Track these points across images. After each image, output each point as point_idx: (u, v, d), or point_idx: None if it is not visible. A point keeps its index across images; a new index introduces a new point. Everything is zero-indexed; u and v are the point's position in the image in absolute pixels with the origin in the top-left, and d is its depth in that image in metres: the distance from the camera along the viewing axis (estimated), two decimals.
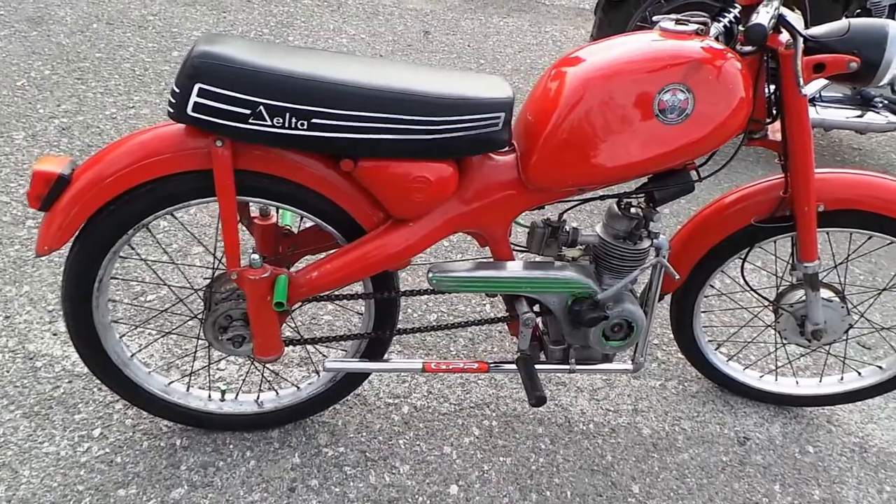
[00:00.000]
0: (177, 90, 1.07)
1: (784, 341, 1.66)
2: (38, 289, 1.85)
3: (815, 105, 2.77)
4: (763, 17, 1.08)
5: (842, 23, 1.23)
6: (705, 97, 1.17)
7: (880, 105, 2.76)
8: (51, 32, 3.13)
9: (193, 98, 1.05)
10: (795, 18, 1.14)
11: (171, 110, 1.09)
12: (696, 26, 1.23)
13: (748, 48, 1.24)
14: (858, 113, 2.77)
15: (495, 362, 1.48)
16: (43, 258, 1.94)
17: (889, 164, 3.16)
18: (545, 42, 3.99)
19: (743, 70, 1.20)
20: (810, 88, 2.66)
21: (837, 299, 1.57)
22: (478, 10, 4.21)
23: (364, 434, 1.59)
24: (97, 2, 3.48)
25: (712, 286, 1.68)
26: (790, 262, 1.54)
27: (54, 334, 1.72)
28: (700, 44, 1.20)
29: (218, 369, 1.70)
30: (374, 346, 1.48)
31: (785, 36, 1.22)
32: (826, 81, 2.45)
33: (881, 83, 1.20)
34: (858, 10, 2.73)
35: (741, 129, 1.25)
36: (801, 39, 1.15)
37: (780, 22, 1.15)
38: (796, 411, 1.82)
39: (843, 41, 1.21)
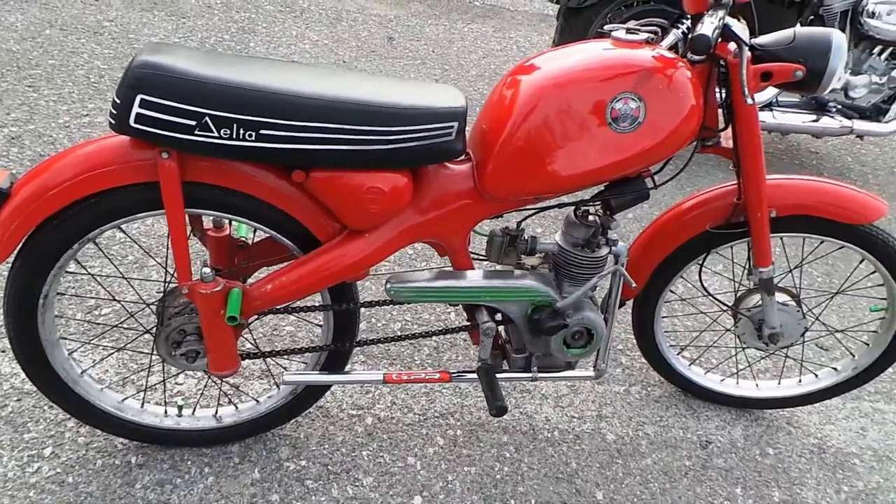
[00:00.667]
0: (118, 101, 1.04)
1: (743, 345, 1.68)
2: None
3: (772, 109, 2.83)
4: (707, 27, 1.10)
5: (788, 32, 1.25)
6: (656, 105, 1.18)
7: (834, 110, 2.83)
8: (0, 39, 3.04)
9: (135, 109, 1.03)
10: (741, 28, 1.16)
11: (113, 122, 1.06)
12: (646, 35, 1.24)
13: (698, 57, 1.26)
14: (814, 117, 2.84)
15: (457, 372, 1.47)
16: None
17: (845, 167, 3.24)
18: (509, 48, 4.01)
19: (693, 78, 1.21)
20: (765, 95, 2.71)
21: (793, 303, 1.60)
22: (442, 15, 4.22)
23: (326, 447, 1.57)
24: (50, 7, 3.39)
25: (672, 292, 1.70)
26: (746, 266, 1.56)
27: (2, 351, 1.66)
28: (651, 52, 1.21)
29: (175, 383, 1.66)
30: (335, 357, 1.46)
31: (734, 45, 1.24)
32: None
33: (826, 91, 1.22)
34: (812, 17, 2.80)
35: (693, 137, 1.26)
36: (745, 49, 1.17)
37: (726, 31, 1.17)
38: (757, 414, 1.85)
39: (789, 50, 1.24)
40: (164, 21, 3.50)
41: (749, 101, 1.20)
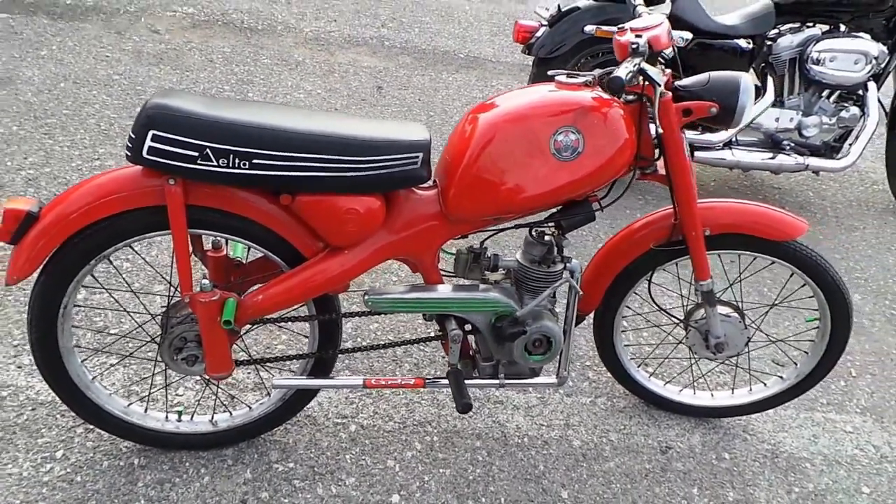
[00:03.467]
0: (133, 136, 1.24)
1: (695, 356, 1.85)
2: (2, 325, 1.96)
3: (731, 148, 3.04)
4: (622, 70, 1.30)
5: (704, 75, 1.46)
6: (593, 138, 1.38)
7: (788, 147, 3.05)
8: (18, 91, 3.29)
9: (148, 143, 1.23)
10: (656, 72, 1.37)
11: (129, 154, 1.26)
12: (585, 79, 1.45)
13: (631, 96, 1.46)
14: (770, 155, 3.05)
15: (431, 378, 1.62)
16: (8, 297, 2.05)
17: (806, 202, 3.45)
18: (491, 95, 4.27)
19: (626, 115, 1.42)
20: (724, 134, 2.93)
21: (736, 315, 1.77)
22: (428, 67, 4.50)
23: (313, 450, 1.72)
24: (64, 63, 3.66)
25: (629, 307, 1.87)
26: (690, 282, 1.74)
27: (19, 367, 1.82)
28: (589, 94, 1.42)
29: (176, 395, 1.82)
30: (320, 365, 1.62)
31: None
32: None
33: (739, 125, 1.42)
34: (763, 65, 3.05)
35: (629, 165, 1.46)
36: (658, 89, 1.37)
37: (642, 74, 1.38)
38: (715, 422, 1.99)
39: (706, 90, 1.45)
40: (169, 74, 3.76)
41: (660, 130, 1.41)
